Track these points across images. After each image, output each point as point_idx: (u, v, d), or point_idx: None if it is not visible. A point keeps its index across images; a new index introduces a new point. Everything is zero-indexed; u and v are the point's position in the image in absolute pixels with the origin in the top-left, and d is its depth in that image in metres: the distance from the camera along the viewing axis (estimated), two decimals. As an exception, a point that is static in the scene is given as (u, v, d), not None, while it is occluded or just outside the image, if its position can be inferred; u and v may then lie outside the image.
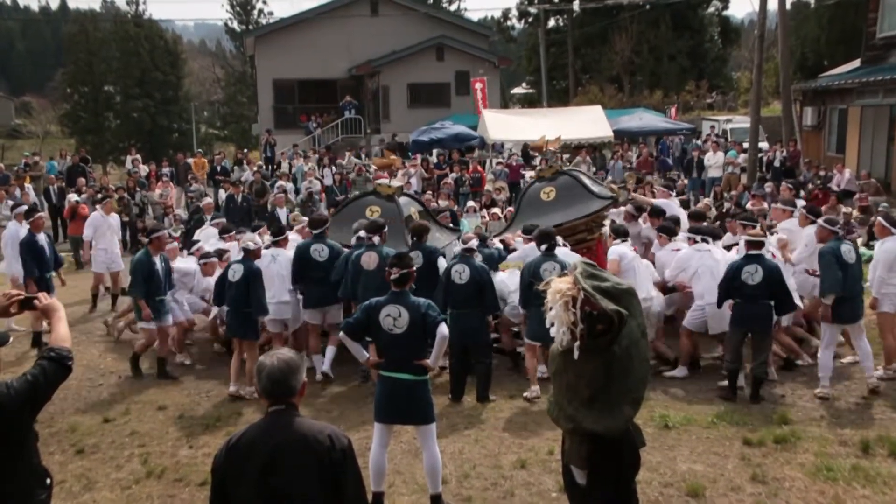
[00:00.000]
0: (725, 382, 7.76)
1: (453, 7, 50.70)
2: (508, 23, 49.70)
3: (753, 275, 7.49)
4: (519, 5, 46.99)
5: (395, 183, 10.30)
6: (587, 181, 10.06)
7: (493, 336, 8.70)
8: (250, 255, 8.11)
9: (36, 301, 3.67)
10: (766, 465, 6.14)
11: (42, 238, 10.12)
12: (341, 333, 5.80)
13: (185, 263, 9.76)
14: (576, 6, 43.65)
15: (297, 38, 32.94)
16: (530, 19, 45.70)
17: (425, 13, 34.75)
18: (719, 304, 7.82)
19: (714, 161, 21.45)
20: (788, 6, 25.19)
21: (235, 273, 7.99)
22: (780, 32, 22.90)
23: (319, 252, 8.49)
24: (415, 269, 7.56)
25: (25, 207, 11.24)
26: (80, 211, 15.12)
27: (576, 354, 4.11)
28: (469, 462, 6.31)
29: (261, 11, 52.72)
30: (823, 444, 6.50)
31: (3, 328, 8.25)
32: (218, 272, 9.00)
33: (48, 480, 3.56)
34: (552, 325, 4.26)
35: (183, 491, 6.05)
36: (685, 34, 41.49)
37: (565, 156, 24.28)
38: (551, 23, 45.67)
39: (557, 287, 4.25)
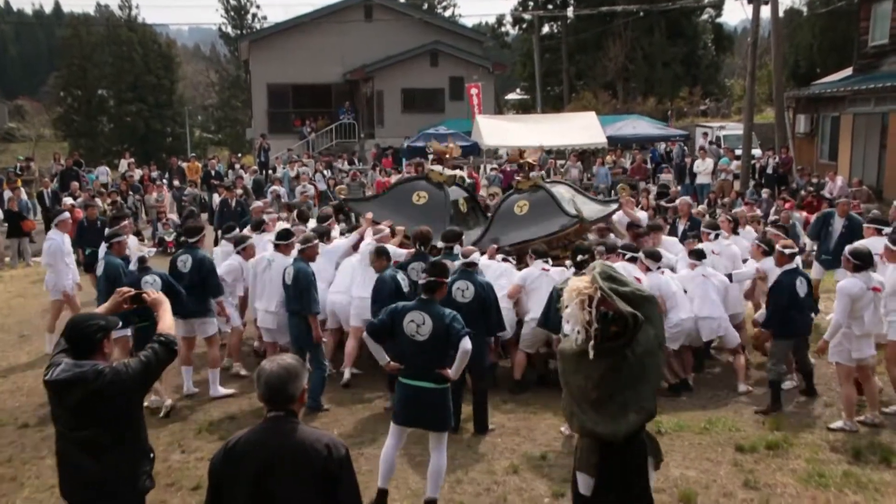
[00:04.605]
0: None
1: (448, 13, 50.91)
2: (503, 29, 49.95)
3: (800, 287, 7.52)
4: (513, 11, 47.16)
5: (449, 171, 10.14)
6: (563, 198, 9.45)
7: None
8: (144, 262, 7.85)
9: (145, 296, 4.22)
10: (758, 471, 6.16)
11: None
12: (364, 334, 5.77)
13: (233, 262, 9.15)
14: (570, 13, 43.83)
15: (291, 42, 32.97)
16: (525, 25, 45.80)
17: (419, 19, 34.84)
18: (783, 320, 7.54)
19: (703, 168, 21.54)
20: (781, 14, 25.34)
21: (154, 284, 7.51)
22: (773, 40, 23.00)
23: (185, 263, 8.14)
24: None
25: (67, 215, 10.69)
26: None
27: (591, 354, 4.03)
28: (462, 467, 6.30)
29: (255, 16, 52.87)
30: (815, 450, 6.52)
31: None
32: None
33: (151, 454, 4.04)
34: (567, 322, 4.18)
35: (175, 496, 6.03)
36: (679, 41, 41.63)
37: (559, 161, 24.35)
38: (545, 29, 45.86)
39: (574, 285, 4.18)
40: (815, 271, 10.89)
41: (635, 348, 4.07)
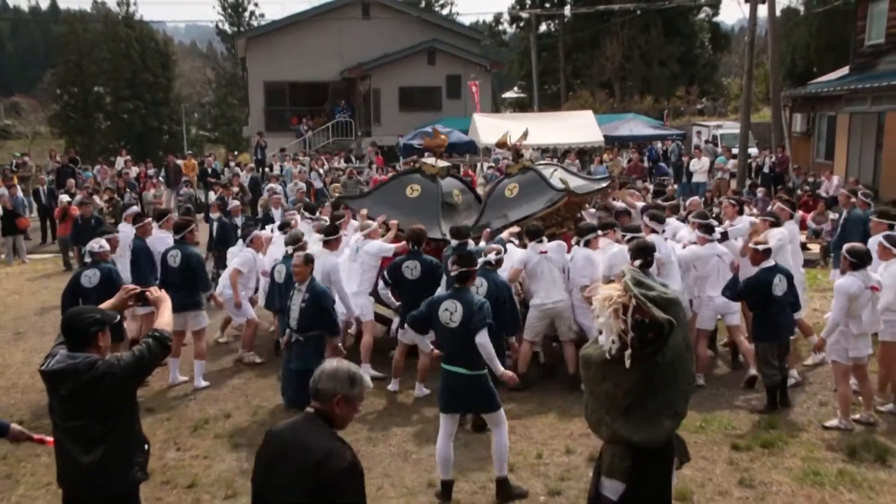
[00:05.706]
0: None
1: (445, 11, 50.83)
2: (500, 27, 49.88)
3: (778, 285, 7.30)
4: (511, 10, 47.14)
5: (441, 163, 10.10)
6: (551, 175, 9.50)
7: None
8: (99, 256, 7.93)
9: (148, 294, 4.30)
10: (753, 469, 6.16)
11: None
12: (406, 325, 5.89)
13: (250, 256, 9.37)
14: (567, 11, 43.83)
15: (288, 40, 32.90)
16: (522, 24, 45.82)
17: (417, 17, 34.81)
18: (763, 320, 7.41)
19: (699, 167, 21.54)
20: (778, 13, 25.34)
21: (91, 279, 7.73)
22: (770, 39, 23.03)
23: (175, 258, 8.29)
24: (414, 279, 7.76)
25: (136, 208, 11.32)
26: (71, 212, 15.13)
27: (627, 364, 3.91)
28: (458, 465, 6.27)
29: (252, 13, 52.73)
30: (810, 448, 6.52)
31: None
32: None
33: (146, 446, 4.12)
34: (600, 332, 4.05)
35: (170, 494, 6.02)
36: (676, 40, 41.69)
37: (555, 160, 24.33)
38: (543, 27, 45.85)
39: (607, 294, 4.04)
40: (833, 274, 10.40)
41: (665, 353, 3.97)
